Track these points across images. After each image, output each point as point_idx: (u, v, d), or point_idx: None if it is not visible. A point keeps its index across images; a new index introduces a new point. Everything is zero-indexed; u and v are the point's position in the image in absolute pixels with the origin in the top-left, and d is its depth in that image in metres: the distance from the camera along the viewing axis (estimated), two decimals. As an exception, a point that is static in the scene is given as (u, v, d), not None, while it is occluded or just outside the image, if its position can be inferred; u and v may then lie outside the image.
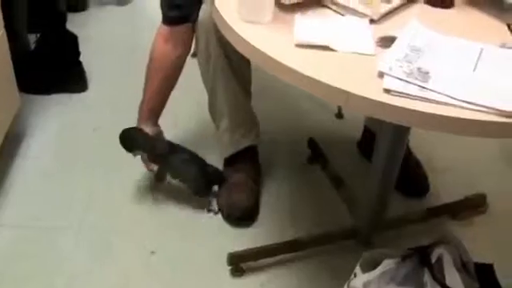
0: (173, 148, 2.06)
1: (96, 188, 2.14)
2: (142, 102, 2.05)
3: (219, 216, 2.05)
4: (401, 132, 1.72)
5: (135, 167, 2.15)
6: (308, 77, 1.19)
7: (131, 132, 2.04)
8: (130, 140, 2.03)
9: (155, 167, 2.05)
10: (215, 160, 2.13)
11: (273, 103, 2.56)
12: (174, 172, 2.04)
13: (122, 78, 2.68)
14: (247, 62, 1.92)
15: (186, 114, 2.43)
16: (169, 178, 2.06)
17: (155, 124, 2.09)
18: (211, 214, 2.06)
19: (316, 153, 2.28)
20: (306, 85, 1.20)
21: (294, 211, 2.09)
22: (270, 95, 2.55)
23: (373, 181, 1.81)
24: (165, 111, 2.09)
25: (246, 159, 2.14)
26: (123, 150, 2.04)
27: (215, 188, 2.08)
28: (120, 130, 2.05)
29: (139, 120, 2.05)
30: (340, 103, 1.25)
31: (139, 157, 2.07)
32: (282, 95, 2.58)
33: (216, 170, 2.09)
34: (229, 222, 2.03)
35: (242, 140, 2.11)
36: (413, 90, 1.15)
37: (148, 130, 2.05)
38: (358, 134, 2.37)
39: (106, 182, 2.18)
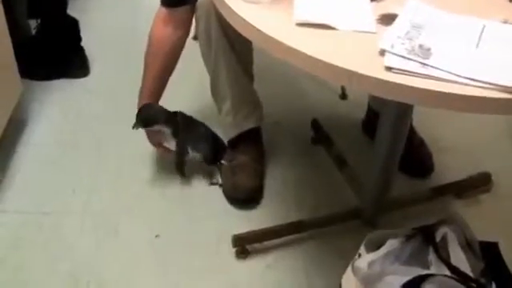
0: (190, 120, 2.07)
1: (99, 173, 2.14)
2: (142, 87, 2.03)
3: (223, 198, 2.04)
4: (404, 110, 1.71)
5: (138, 151, 2.15)
6: (310, 57, 1.18)
7: (153, 107, 2.01)
8: (153, 114, 2.00)
9: (172, 145, 2.03)
10: (218, 143, 2.13)
11: (276, 85, 2.54)
12: (192, 143, 2.03)
13: (123, 62, 2.67)
14: (249, 42, 1.90)
15: (187, 98, 2.41)
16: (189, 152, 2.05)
17: None
18: (215, 187, 2.07)
19: (320, 134, 2.27)
20: (308, 65, 1.19)
21: (299, 193, 2.08)
22: (272, 77, 2.52)
23: (377, 161, 1.80)
24: (164, 95, 2.08)
25: (249, 141, 2.13)
26: (125, 134, 2.03)
27: (222, 161, 2.08)
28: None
29: (139, 105, 2.04)
30: (343, 82, 1.23)
31: (146, 143, 2.06)
32: (285, 77, 2.56)
33: (223, 143, 2.11)
34: (233, 204, 2.03)
35: (245, 122, 2.09)
36: (415, 67, 1.13)
37: None
38: (362, 114, 2.36)
39: (109, 166, 2.17)
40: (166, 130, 2.01)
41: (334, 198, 2.04)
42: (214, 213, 2.00)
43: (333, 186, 2.09)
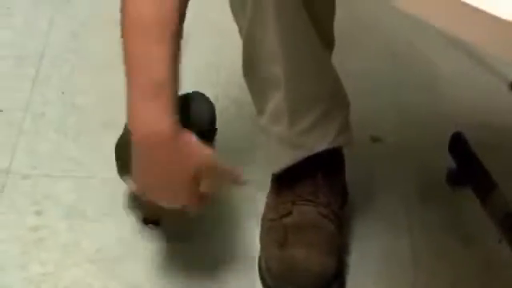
0: None
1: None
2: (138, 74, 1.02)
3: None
4: None
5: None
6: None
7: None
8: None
9: None
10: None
11: (373, 62, 1.51)
12: None
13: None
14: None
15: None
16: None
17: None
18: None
19: (467, 165, 1.25)
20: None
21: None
22: (364, 49, 1.51)
23: None
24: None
25: (320, 175, 1.20)
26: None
27: None
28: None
29: (134, 104, 0.96)
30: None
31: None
32: (389, 47, 1.53)
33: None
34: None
35: (315, 135, 1.16)
36: None
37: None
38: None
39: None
40: None
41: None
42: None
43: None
